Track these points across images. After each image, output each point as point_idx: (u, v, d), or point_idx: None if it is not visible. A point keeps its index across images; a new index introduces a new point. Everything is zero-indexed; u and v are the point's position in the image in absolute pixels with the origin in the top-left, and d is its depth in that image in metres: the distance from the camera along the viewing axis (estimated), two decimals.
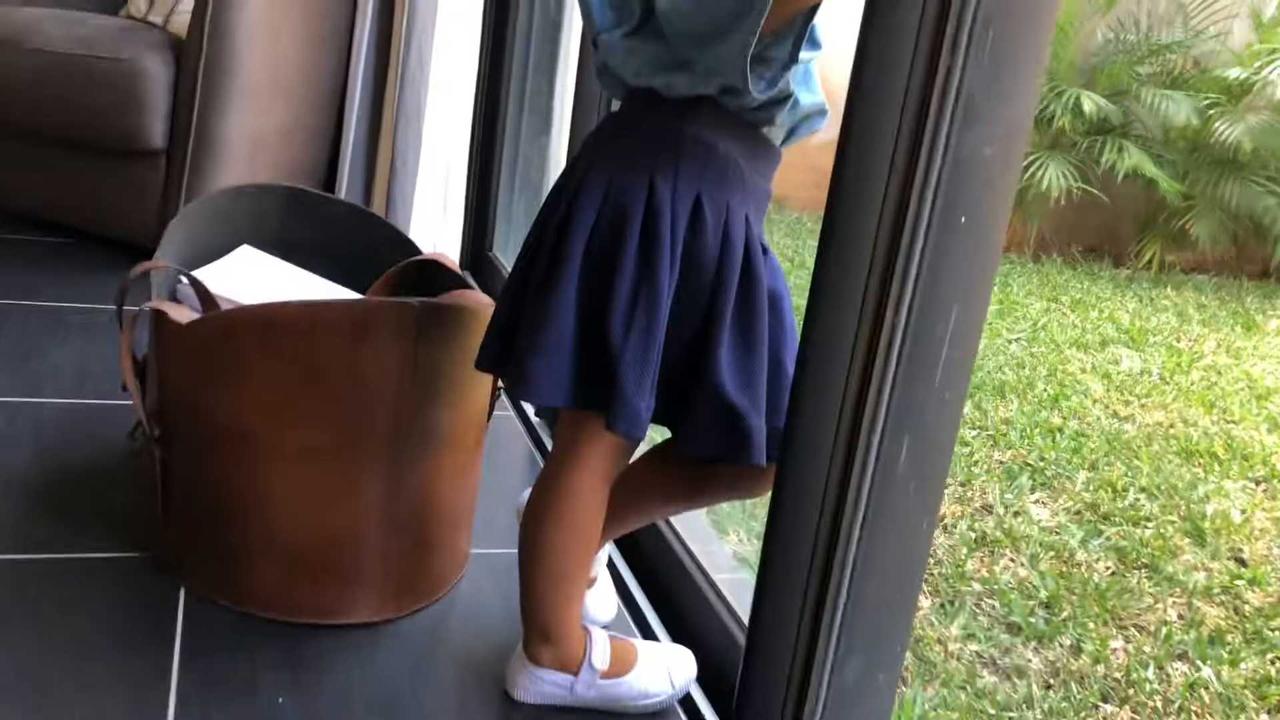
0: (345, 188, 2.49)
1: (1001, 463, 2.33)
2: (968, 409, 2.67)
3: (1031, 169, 4.17)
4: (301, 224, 1.59)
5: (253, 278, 1.49)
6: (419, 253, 1.55)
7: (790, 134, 1.06)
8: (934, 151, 0.81)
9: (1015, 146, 0.84)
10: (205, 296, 1.30)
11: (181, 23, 2.34)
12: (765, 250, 1.02)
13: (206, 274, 1.44)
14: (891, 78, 0.83)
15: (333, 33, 2.40)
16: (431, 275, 1.48)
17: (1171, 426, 2.60)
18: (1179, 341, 3.44)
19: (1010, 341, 3.13)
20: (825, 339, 0.91)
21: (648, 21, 1.00)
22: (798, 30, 0.93)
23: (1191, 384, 2.94)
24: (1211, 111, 4.43)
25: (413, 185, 2.42)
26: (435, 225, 2.48)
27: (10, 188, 2.45)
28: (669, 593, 1.35)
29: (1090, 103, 4.18)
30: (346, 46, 2.45)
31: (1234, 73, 4.44)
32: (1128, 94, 4.42)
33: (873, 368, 0.86)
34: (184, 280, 1.40)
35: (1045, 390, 2.70)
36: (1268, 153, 4.38)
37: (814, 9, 0.92)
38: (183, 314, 1.19)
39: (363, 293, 1.55)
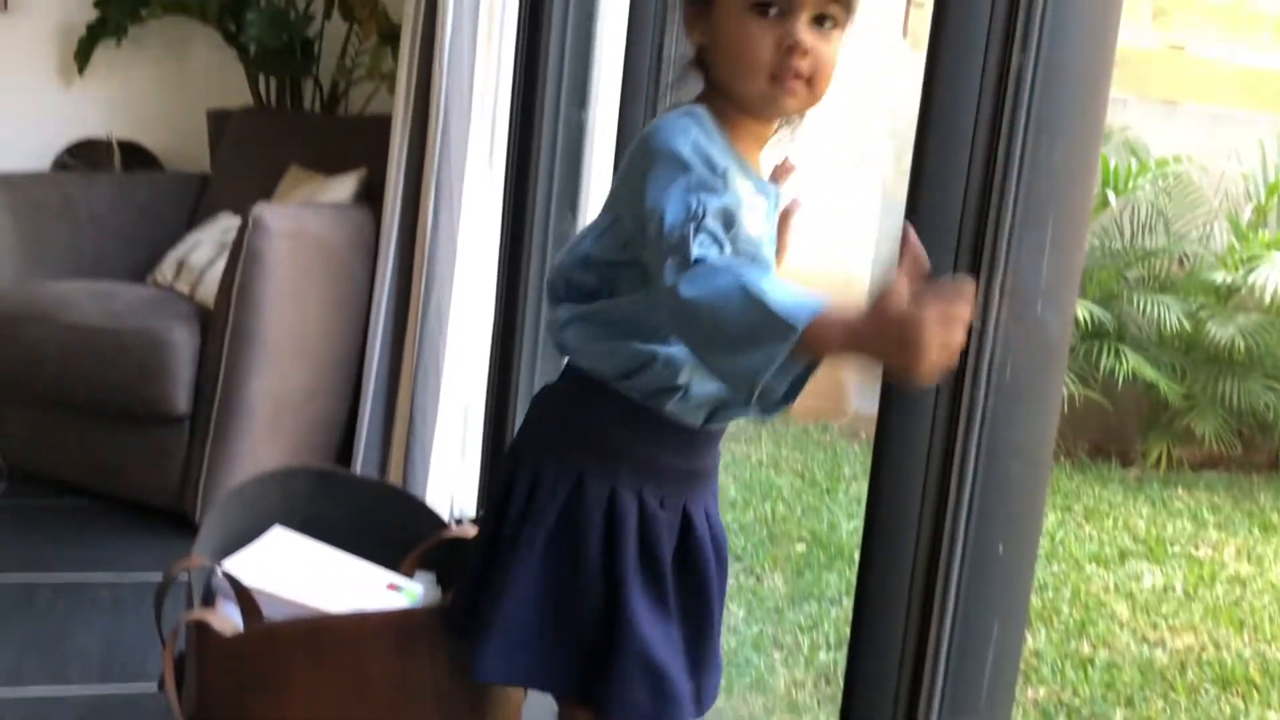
0: (364, 443, 2.53)
1: (1036, 702, 2.30)
2: None
3: None
4: (332, 503, 1.62)
5: (286, 564, 1.51)
6: (446, 527, 1.59)
7: (711, 415, 1.15)
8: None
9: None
10: (242, 593, 1.33)
11: (208, 290, 2.44)
12: (687, 514, 1.14)
13: (240, 563, 1.47)
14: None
15: (353, 293, 2.50)
16: (460, 548, 1.51)
17: (1204, 650, 2.58)
18: (1198, 550, 3.44)
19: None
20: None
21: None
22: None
23: (1217, 599, 2.93)
24: (1202, 314, 4.54)
25: (431, 434, 2.46)
26: (454, 468, 2.52)
27: (34, 453, 2.51)
28: None
29: (1084, 309, 4.29)
30: (366, 304, 2.55)
31: (1220, 276, 4.58)
32: (1118, 299, 4.56)
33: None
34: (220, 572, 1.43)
35: (1071, 615, 2.69)
36: (1262, 350, 4.48)
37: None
38: (224, 623, 1.21)
39: (393, 569, 1.57)
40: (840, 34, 1.08)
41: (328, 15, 3.36)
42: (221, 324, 2.26)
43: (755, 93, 1.08)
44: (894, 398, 0.88)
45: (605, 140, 2.52)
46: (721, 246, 0.99)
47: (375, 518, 1.62)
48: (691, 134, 1.06)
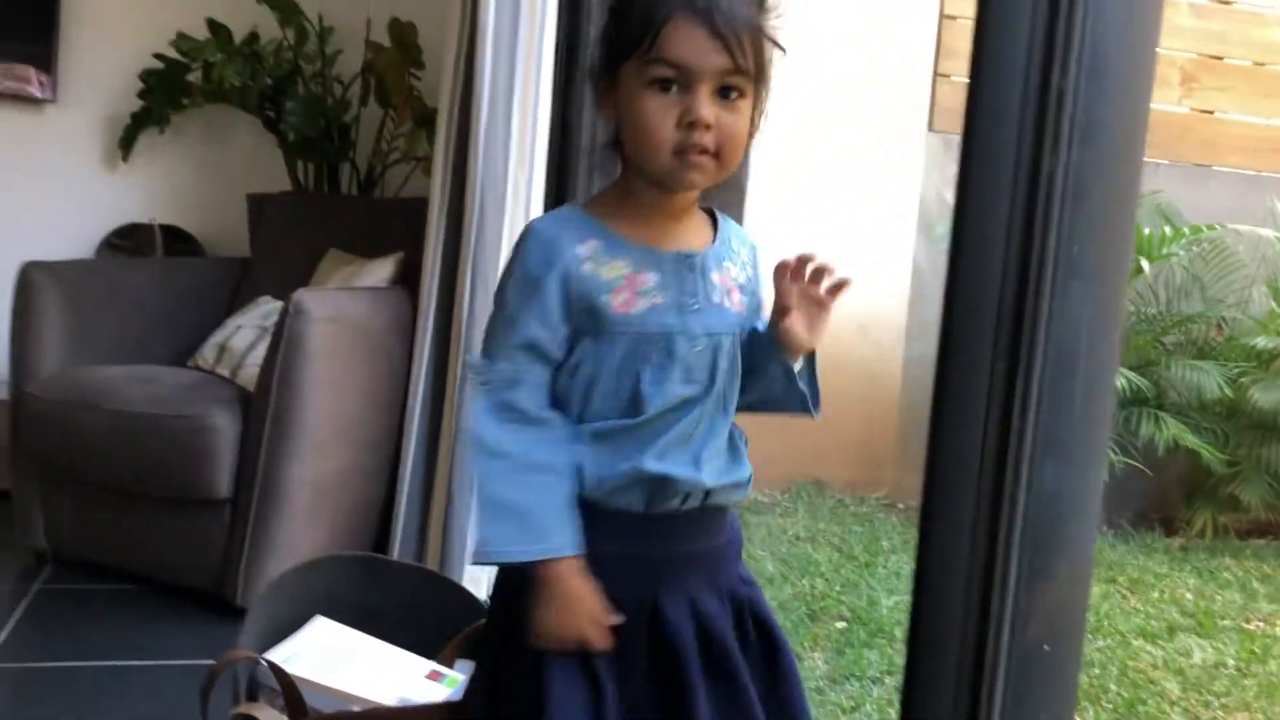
0: (402, 525, 2.55)
1: None
2: None
3: None
4: (373, 591, 1.64)
5: (329, 654, 1.53)
6: (485, 615, 1.60)
7: (652, 498, 1.16)
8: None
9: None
10: (287, 685, 1.34)
11: (249, 374, 2.48)
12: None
13: (284, 654, 1.48)
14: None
15: (391, 375, 2.53)
16: None
17: None
18: (1249, 623, 3.37)
19: None
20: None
21: None
22: None
23: (1271, 676, 2.87)
24: (1243, 379, 4.50)
25: (469, 516, 2.48)
26: None
27: (77, 536, 2.54)
28: None
29: (1122, 377, 4.27)
30: (404, 385, 2.58)
31: (1261, 341, 4.55)
32: (1157, 365, 4.52)
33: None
34: (264, 663, 1.44)
35: (1119, 694, 2.64)
36: None
37: None
38: (270, 716, 1.23)
39: (434, 656, 1.58)
40: (748, 104, 1.11)
41: (364, 101, 3.45)
42: (262, 409, 2.30)
43: (661, 168, 1.10)
44: (938, 477, 0.90)
45: None
46: (512, 384, 1.11)
47: (416, 605, 1.63)
48: (521, 257, 1.13)
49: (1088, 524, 0.91)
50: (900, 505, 4.56)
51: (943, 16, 4.97)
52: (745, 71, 1.09)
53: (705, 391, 1.15)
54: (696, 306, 1.15)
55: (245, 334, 2.65)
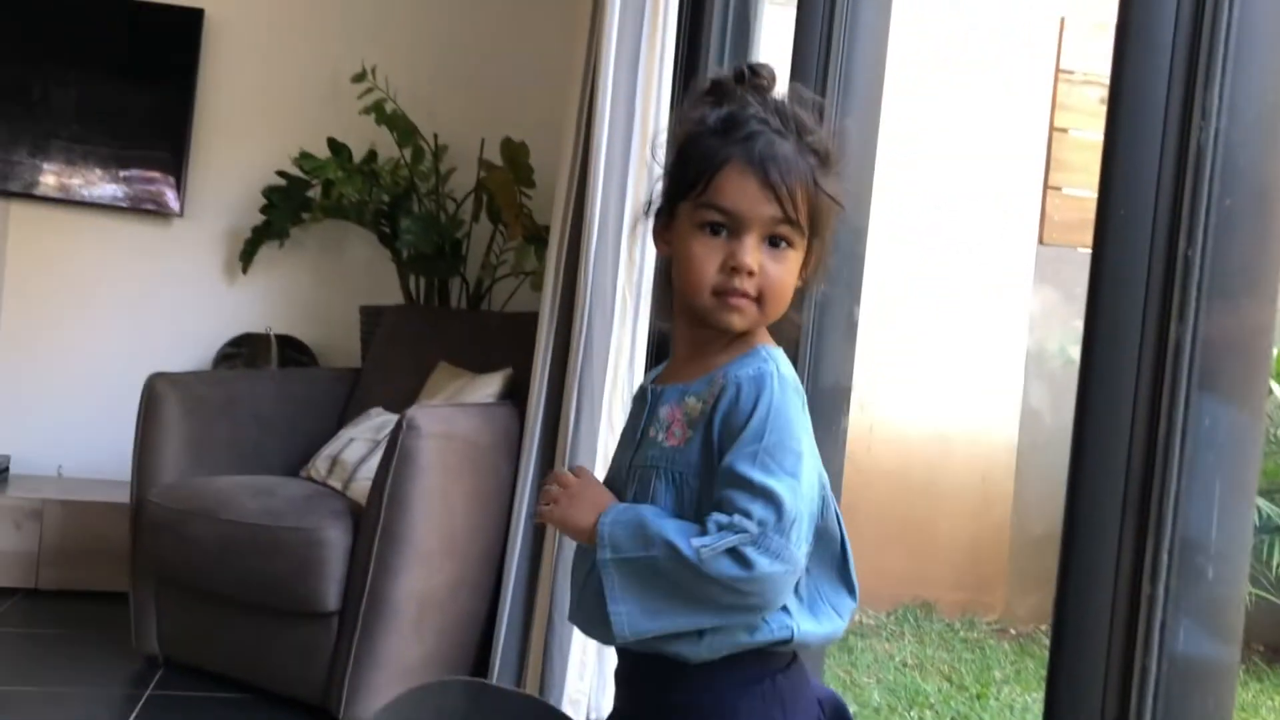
0: (503, 640, 2.60)
1: None
2: None
3: None
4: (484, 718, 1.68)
5: None
6: None
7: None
8: None
9: None
10: None
11: (361, 488, 2.58)
12: None
13: None
14: None
15: (497, 489, 2.61)
16: None
17: None
18: None
19: None
20: None
21: None
22: None
23: None
24: None
25: (570, 633, 2.52)
26: (592, 670, 2.55)
27: (188, 643, 2.64)
28: None
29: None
30: (509, 499, 2.65)
31: None
32: None
33: None
34: None
35: None
36: None
37: None
38: None
39: None
40: (797, 254, 1.15)
41: (475, 218, 3.61)
42: (373, 523, 2.38)
43: (702, 307, 1.15)
44: (1069, 602, 0.92)
45: None
46: None
47: None
48: None
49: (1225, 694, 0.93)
50: (1012, 630, 4.47)
51: (1053, 129, 5.02)
52: (795, 223, 1.14)
53: None
54: (637, 440, 1.21)
55: (357, 446, 2.75)
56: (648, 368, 2.56)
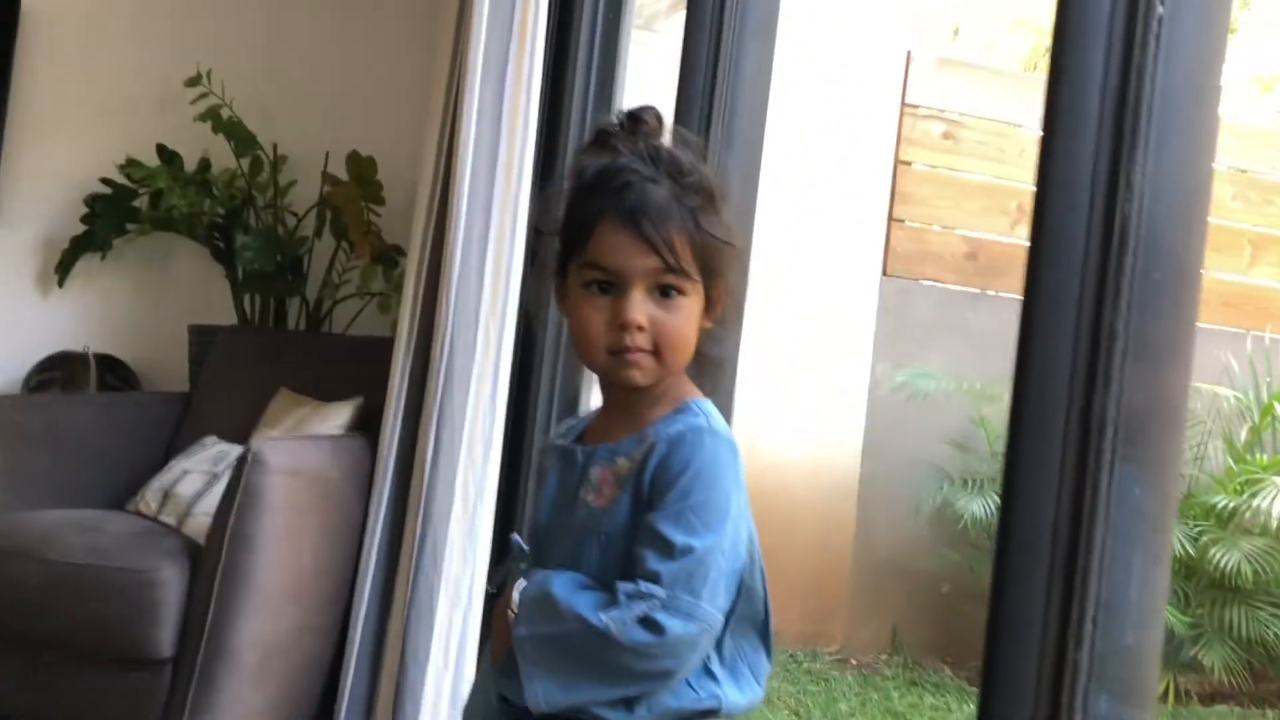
0: (350, 685, 2.53)
1: None
2: None
3: None
4: None
5: None
6: None
7: None
8: None
9: None
10: None
11: (198, 524, 2.47)
12: None
13: None
14: None
15: (347, 527, 2.54)
16: None
17: None
18: None
19: None
20: None
21: None
22: None
23: None
24: (1203, 538, 4.64)
25: (423, 677, 2.46)
26: (446, 711, 2.50)
27: (8, 693, 2.47)
28: None
29: None
30: (359, 537, 2.58)
31: (1220, 499, 4.70)
32: None
33: None
34: None
35: None
36: (1269, 577, 4.55)
37: None
38: None
39: None
40: (692, 300, 1.15)
41: (318, 235, 3.51)
42: (213, 564, 2.28)
43: (599, 368, 1.17)
44: (997, 669, 0.95)
45: None
46: None
47: None
48: None
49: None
50: (853, 661, 4.59)
51: (897, 162, 5.20)
52: (680, 271, 1.13)
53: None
54: (564, 503, 1.21)
55: (193, 480, 2.64)
56: (514, 402, 2.53)
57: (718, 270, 1.16)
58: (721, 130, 1.91)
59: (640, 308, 1.13)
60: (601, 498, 1.16)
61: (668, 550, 1.07)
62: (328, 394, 2.84)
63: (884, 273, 5.14)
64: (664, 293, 1.14)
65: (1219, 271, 5.50)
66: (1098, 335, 0.96)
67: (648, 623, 1.06)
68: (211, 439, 2.83)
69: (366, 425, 2.70)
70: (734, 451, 1.13)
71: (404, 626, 2.50)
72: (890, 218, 5.18)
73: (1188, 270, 0.98)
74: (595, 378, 1.24)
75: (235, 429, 2.84)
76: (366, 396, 2.75)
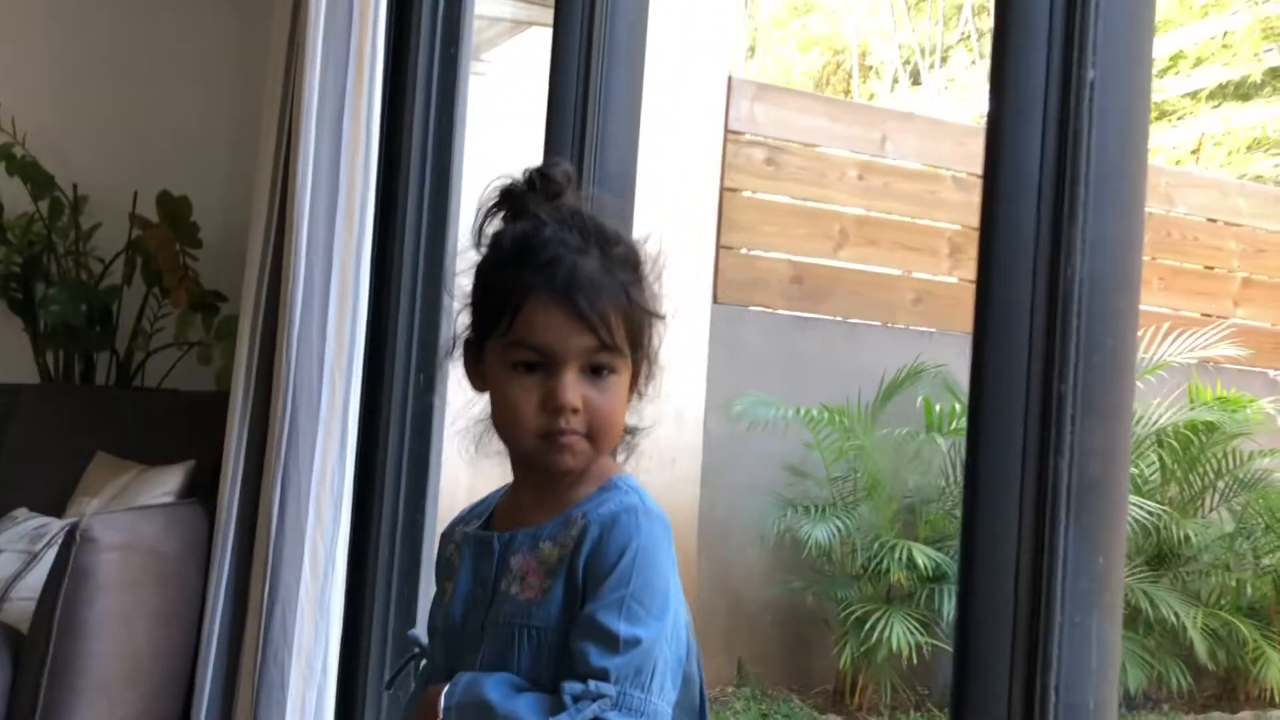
0: None
1: None
2: None
3: (877, 628, 4.40)
4: None
5: None
6: None
7: None
8: None
9: None
10: None
11: (17, 610, 2.29)
12: None
13: None
14: None
15: (185, 604, 2.39)
16: None
17: None
18: None
19: None
20: None
21: None
22: None
23: None
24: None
25: None
26: None
27: None
28: None
29: (921, 555, 4.51)
30: (199, 613, 2.43)
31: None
32: (953, 540, 4.80)
33: None
34: None
35: None
36: None
37: None
38: None
39: None
40: (622, 379, 1.11)
41: (128, 282, 3.31)
42: (40, 655, 2.11)
43: (527, 452, 1.11)
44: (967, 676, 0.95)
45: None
46: None
47: None
48: None
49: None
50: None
51: (723, 190, 5.28)
52: (615, 349, 1.09)
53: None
54: (481, 597, 1.14)
55: (7, 560, 2.44)
56: (360, 462, 2.43)
57: (643, 341, 1.12)
58: (594, 164, 1.87)
59: (575, 389, 1.07)
60: (529, 589, 1.09)
61: (612, 644, 1.02)
62: (152, 457, 2.68)
63: (714, 300, 5.20)
64: (596, 371, 1.09)
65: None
66: (1048, 402, 0.97)
67: None
68: (23, 512, 2.63)
69: (199, 490, 2.55)
70: (668, 531, 1.09)
71: (254, 706, 2.36)
72: (719, 245, 5.25)
73: (1123, 330, 1.00)
74: (485, 455, 1.18)
75: (48, 500, 2.65)
76: (197, 459, 2.60)
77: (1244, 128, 7.92)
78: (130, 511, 2.40)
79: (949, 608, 4.48)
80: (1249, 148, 7.95)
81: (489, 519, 1.20)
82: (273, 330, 2.48)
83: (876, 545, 4.65)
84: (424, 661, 1.24)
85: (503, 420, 1.11)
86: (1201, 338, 5.26)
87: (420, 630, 1.25)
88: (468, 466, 1.24)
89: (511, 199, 1.13)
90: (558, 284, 1.07)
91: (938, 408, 4.69)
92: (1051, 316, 0.96)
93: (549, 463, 1.10)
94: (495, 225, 1.15)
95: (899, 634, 4.37)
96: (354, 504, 2.42)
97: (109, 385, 3.24)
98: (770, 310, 5.35)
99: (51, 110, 3.37)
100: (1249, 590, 5.34)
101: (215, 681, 2.40)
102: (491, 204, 1.15)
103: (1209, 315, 6.04)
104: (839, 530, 4.60)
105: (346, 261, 2.44)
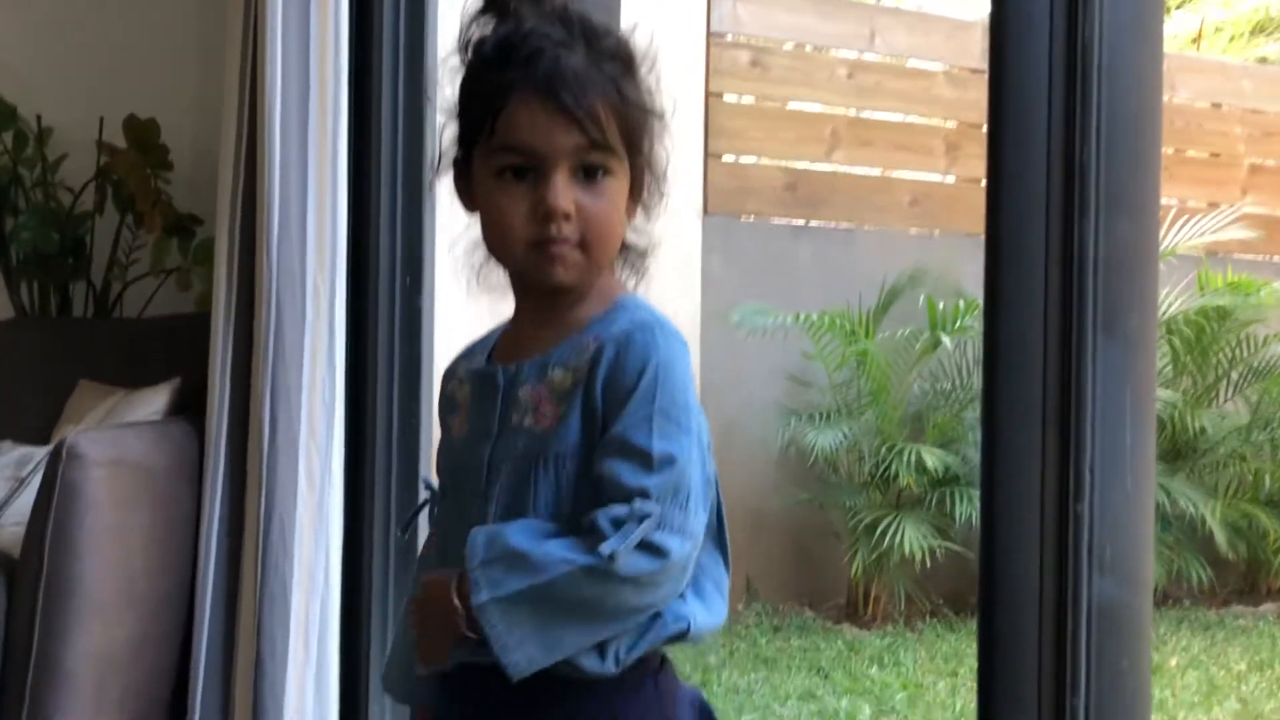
0: (201, 695, 2.40)
1: None
2: None
3: (888, 534, 4.43)
4: None
5: None
6: None
7: None
8: None
9: None
10: None
11: (9, 535, 2.31)
12: None
13: None
14: None
15: (180, 520, 2.41)
16: None
17: None
18: None
19: None
20: None
21: None
22: None
23: None
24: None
25: (283, 674, 2.36)
26: (311, 696, 2.41)
27: None
28: None
29: (931, 457, 4.53)
30: (195, 532, 2.44)
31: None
32: (961, 441, 4.82)
33: None
34: None
35: None
36: None
37: None
38: None
39: None
40: (619, 182, 1.08)
41: (99, 210, 3.29)
42: (34, 576, 2.13)
43: (518, 265, 1.09)
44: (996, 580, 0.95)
45: (443, 325, 2.57)
46: None
47: None
48: None
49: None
50: None
51: (709, 95, 5.23)
52: (607, 147, 1.06)
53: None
54: (484, 432, 1.11)
55: None
56: (351, 367, 2.44)
57: (641, 145, 1.09)
58: None
59: (565, 193, 1.04)
60: (542, 419, 1.07)
61: (646, 461, 1.00)
62: (137, 381, 2.68)
63: (705, 212, 5.17)
64: (589, 174, 1.06)
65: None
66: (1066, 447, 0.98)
67: (649, 547, 0.99)
68: (7, 444, 2.64)
69: (187, 409, 2.56)
70: (685, 348, 1.08)
71: (256, 621, 2.38)
72: (706, 153, 5.21)
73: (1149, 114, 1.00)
74: (486, 289, 1.17)
75: (33, 431, 2.66)
76: (183, 379, 2.61)
77: (1248, 11, 7.86)
78: (117, 428, 2.41)
79: (961, 510, 4.50)
80: (1252, 31, 7.88)
81: (491, 353, 1.17)
82: (251, 242, 2.47)
83: (884, 450, 4.66)
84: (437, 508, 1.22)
85: (492, 235, 1.09)
86: (1210, 221, 5.24)
87: (432, 475, 1.24)
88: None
89: (495, 3, 1.09)
90: (539, 78, 1.03)
91: (941, 305, 4.69)
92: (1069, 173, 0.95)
93: (541, 276, 1.08)
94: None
95: (911, 539, 4.40)
96: (347, 411, 2.43)
97: (87, 317, 3.24)
98: (763, 219, 5.34)
99: (9, 41, 3.34)
100: (1267, 481, 5.36)
101: (216, 597, 2.42)
102: (475, 11, 1.11)
103: (1216, 205, 6.02)
104: (845, 437, 4.62)
105: (323, 166, 2.43)
